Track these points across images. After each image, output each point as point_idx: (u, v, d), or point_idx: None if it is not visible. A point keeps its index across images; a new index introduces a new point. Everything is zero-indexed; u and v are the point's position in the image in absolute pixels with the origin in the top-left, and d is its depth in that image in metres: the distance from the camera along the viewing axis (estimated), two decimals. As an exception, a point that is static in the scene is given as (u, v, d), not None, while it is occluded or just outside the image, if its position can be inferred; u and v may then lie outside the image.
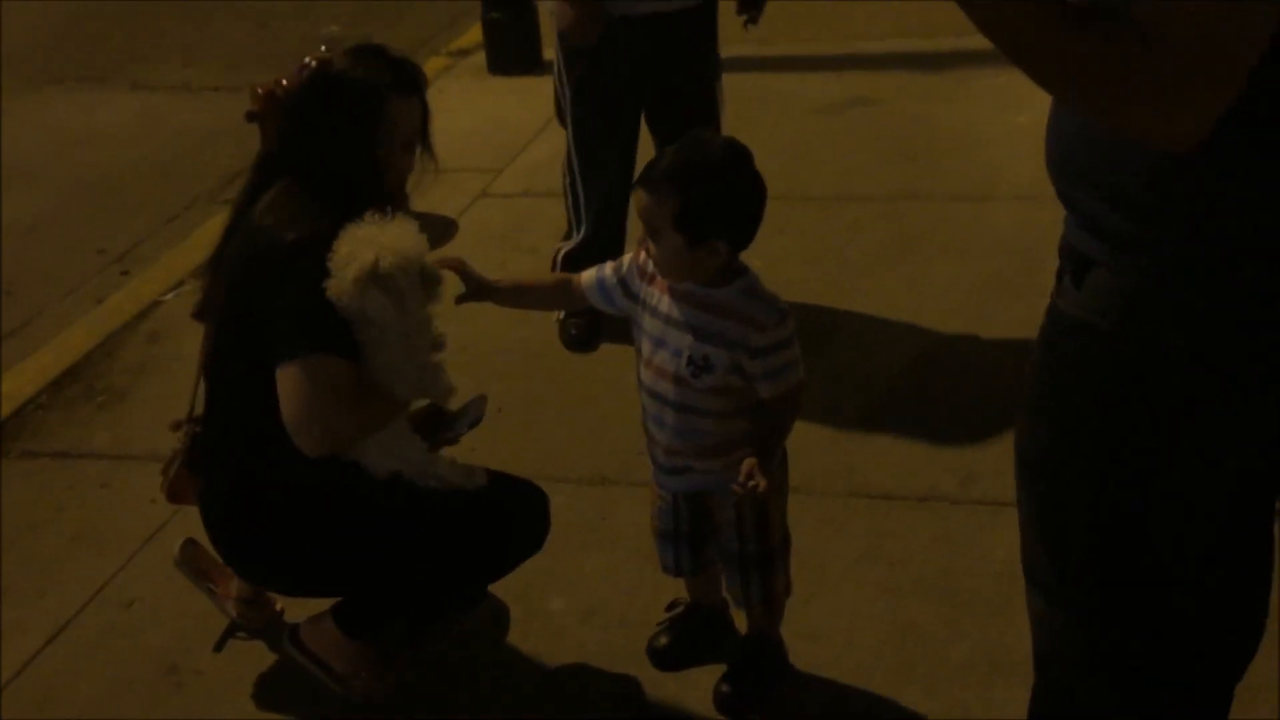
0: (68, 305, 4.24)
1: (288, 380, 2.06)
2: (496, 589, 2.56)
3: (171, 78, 6.60)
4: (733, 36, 3.72)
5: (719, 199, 1.99)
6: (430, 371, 2.23)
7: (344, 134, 2.16)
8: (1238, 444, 1.53)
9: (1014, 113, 4.93)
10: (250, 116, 4.04)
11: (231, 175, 5.24)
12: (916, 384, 3.32)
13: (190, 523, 2.71)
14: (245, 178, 2.34)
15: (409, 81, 2.20)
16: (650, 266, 2.13)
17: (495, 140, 5.18)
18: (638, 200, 2.02)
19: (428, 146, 2.25)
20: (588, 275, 2.25)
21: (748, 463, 2.03)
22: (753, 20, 3.57)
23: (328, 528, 2.24)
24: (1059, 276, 1.67)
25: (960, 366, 3.38)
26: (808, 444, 3.04)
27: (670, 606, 2.54)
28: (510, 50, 5.88)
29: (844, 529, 2.79)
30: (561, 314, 3.67)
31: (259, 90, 4.01)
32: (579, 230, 3.61)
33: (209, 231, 4.58)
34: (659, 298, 2.12)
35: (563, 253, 3.65)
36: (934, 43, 5.88)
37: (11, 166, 5.46)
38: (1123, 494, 1.64)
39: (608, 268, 2.22)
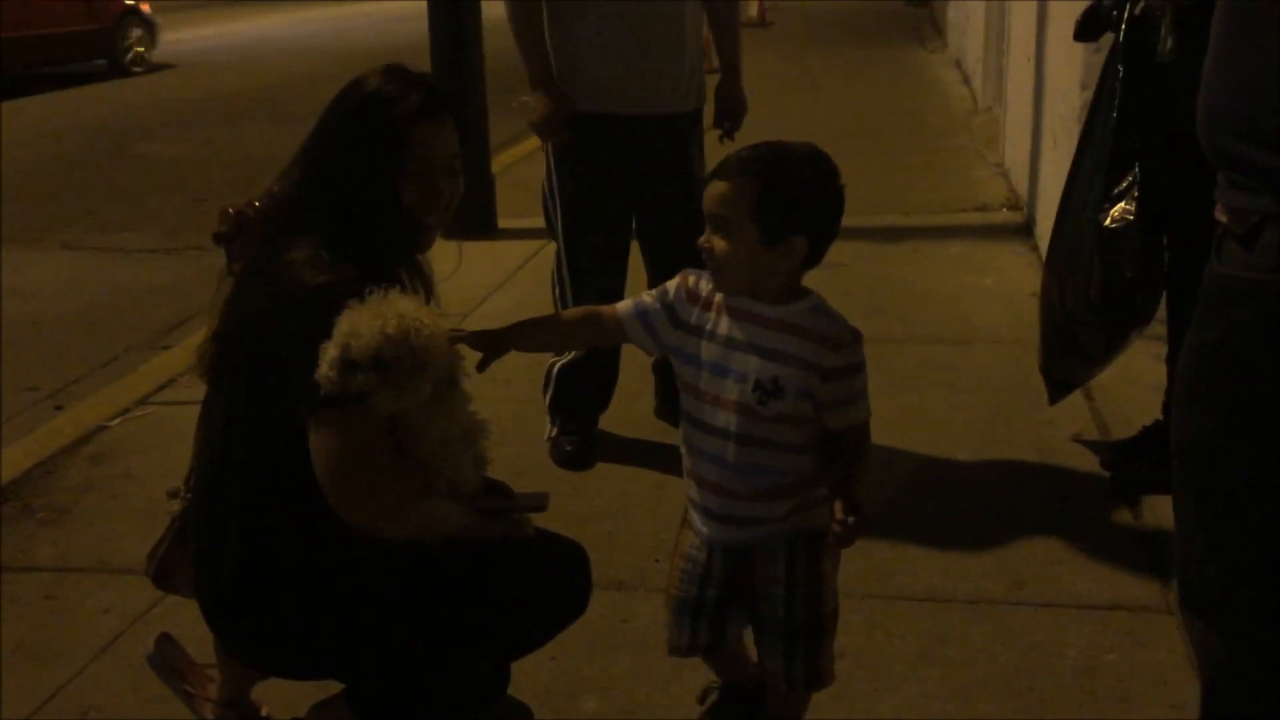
0: (-3, 437, 3.88)
1: (322, 433, 1.80)
2: (519, 691, 2.25)
3: (105, 241, 6.39)
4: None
5: (803, 189, 1.83)
6: (457, 453, 1.99)
7: (372, 165, 1.96)
8: None
9: (977, 276, 5.01)
10: (219, 238, 3.82)
11: (170, 326, 5.01)
12: (935, 498, 3.16)
13: (154, 630, 2.38)
14: (265, 219, 2.13)
15: (436, 103, 1.99)
16: (704, 289, 1.93)
17: (456, 294, 5.04)
18: (711, 192, 1.85)
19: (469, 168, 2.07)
20: (623, 307, 2.00)
21: (838, 504, 1.84)
22: (729, 134, 3.54)
23: (344, 594, 1.94)
24: (1217, 246, 1.56)
25: (975, 482, 3.24)
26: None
27: (703, 697, 2.26)
28: (465, 215, 5.82)
29: (894, 631, 2.56)
30: (555, 431, 3.46)
31: (230, 210, 3.83)
32: (573, 344, 3.44)
33: (154, 368, 4.32)
34: (717, 320, 1.90)
35: (558, 366, 3.46)
36: (883, 219, 6.03)
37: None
38: None
39: (648, 297, 1.99)
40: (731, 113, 3.50)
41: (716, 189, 1.85)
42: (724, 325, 1.90)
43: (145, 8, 14.43)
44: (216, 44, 17.36)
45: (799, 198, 1.84)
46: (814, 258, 1.88)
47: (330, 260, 1.89)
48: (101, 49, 13.80)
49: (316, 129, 2.02)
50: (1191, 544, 1.61)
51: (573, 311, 2.52)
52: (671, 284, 1.98)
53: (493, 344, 2.00)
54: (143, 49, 14.25)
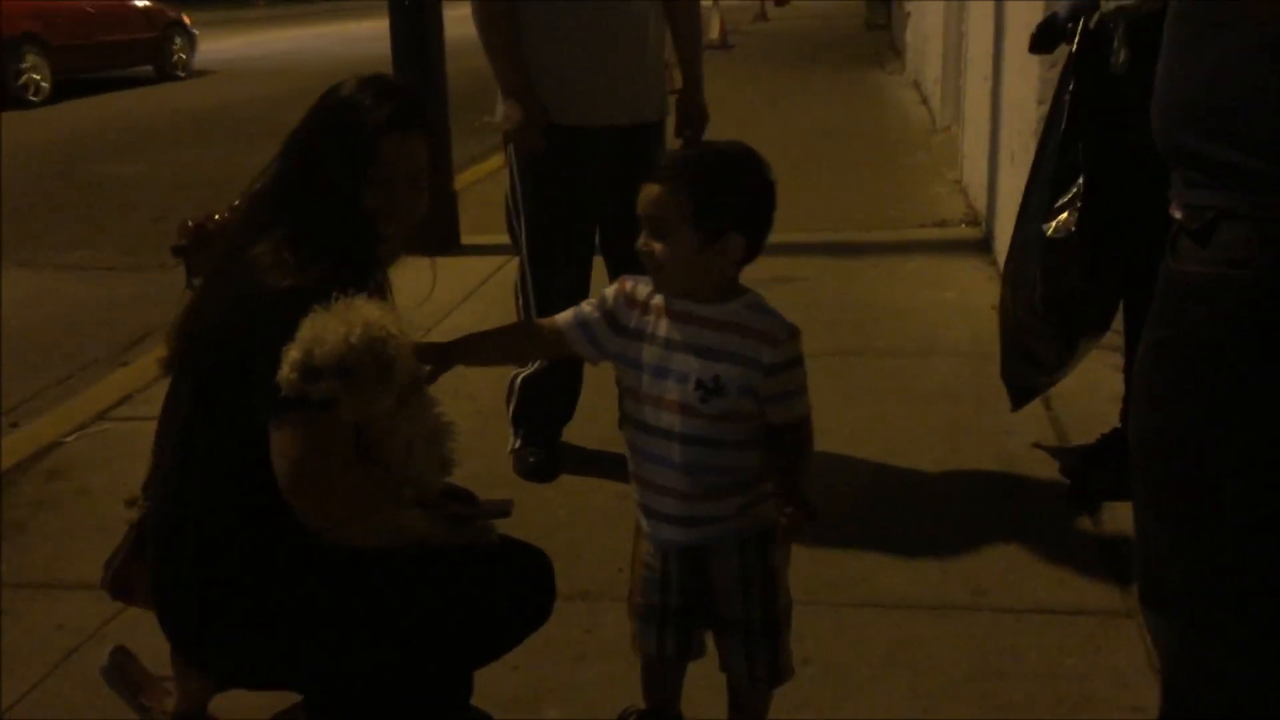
0: (-52, 455, 3.80)
1: (285, 434, 1.80)
2: (483, 701, 2.23)
3: (62, 259, 6.32)
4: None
5: (737, 188, 1.87)
6: (422, 456, 1.98)
7: (335, 169, 1.96)
8: None
9: (937, 290, 5.05)
10: (177, 251, 3.79)
11: (128, 344, 4.95)
12: (898, 506, 3.18)
13: (109, 646, 2.34)
14: (235, 220, 2.13)
15: (407, 116, 2.01)
16: (641, 293, 1.94)
17: (418, 309, 5.01)
18: (645, 196, 1.87)
19: (438, 184, 2.07)
20: (564, 317, 2.01)
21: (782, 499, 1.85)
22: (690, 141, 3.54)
23: (304, 601, 1.92)
24: (1171, 244, 1.58)
25: (937, 491, 3.27)
26: (806, 556, 2.85)
27: (621, 718, 2.25)
28: (426, 230, 5.80)
29: (858, 638, 2.56)
30: (518, 443, 3.45)
31: (189, 223, 3.80)
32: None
33: (111, 385, 4.27)
34: (656, 322, 1.92)
35: (521, 377, 3.45)
36: (843, 235, 6.08)
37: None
38: None
39: (586, 306, 2.00)
40: (693, 122, 3.51)
41: (651, 192, 1.86)
42: (663, 327, 1.91)
43: (187, 20, 16.40)
44: (245, 54, 18.88)
45: (733, 196, 1.87)
46: (751, 254, 1.90)
47: (294, 262, 1.89)
48: (151, 56, 15.57)
49: (295, 128, 2.03)
50: (1152, 541, 1.62)
51: (516, 325, 2.53)
52: (609, 291, 1.99)
53: (439, 358, 1.99)
54: (184, 56, 16.09)
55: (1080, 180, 2.93)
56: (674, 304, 1.90)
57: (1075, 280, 2.97)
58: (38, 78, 13.18)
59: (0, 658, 2.57)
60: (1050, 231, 2.97)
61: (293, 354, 1.74)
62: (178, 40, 16.02)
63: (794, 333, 1.89)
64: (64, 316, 5.39)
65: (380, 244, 2.02)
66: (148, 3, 15.71)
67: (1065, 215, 2.94)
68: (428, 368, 1.97)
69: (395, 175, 1.96)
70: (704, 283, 1.88)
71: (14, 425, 4.04)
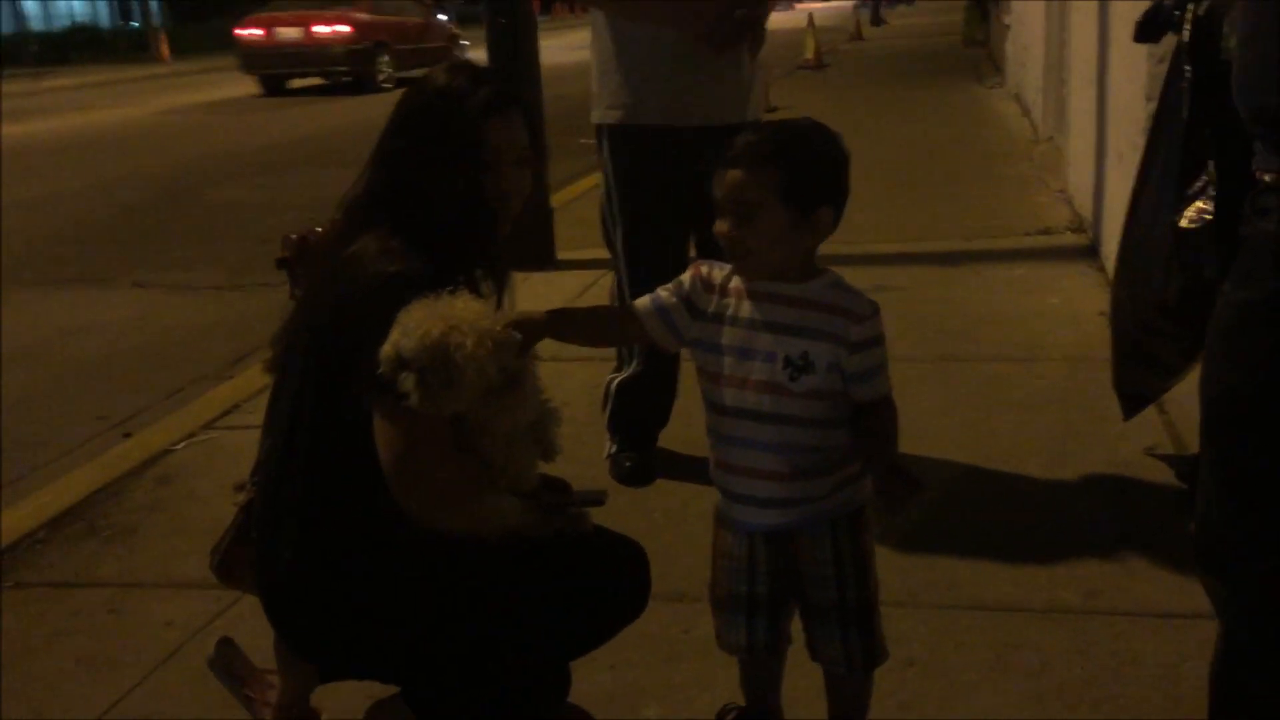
0: (67, 463, 3.92)
1: (384, 422, 1.81)
2: (579, 699, 2.21)
3: (173, 279, 6.52)
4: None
5: (822, 162, 1.85)
6: (522, 449, 1.97)
7: (446, 158, 1.97)
8: None
9: (1042, 296, 4.93)
10: (281, 263, 3.87)
11: (235, 359, 5.06)
12: (1006, 510, 3.09)
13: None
14: (335, 223, 2.14)
15: (505, 95, 2.00)
16: (718, 277, 1.91)
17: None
18: (726, 182, 1.82)
19: (541, 155, 2.07)
20: (642, 303, 1.98)
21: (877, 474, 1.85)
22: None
23: (400, 587, 1.92)
24: (1259, 205, 1.53)
25: (1047, 495, 3.17)
26: (909, 559, 2.79)
27: (720, 717, 2.20)
28: (525, 248, 5.86)
29: (965, 641, 2.48)
30: (614, 448, 3.44)
31: (292, 237, 3.88)
32: (631, 361, 3.43)
33: (219, 396, 4.37)
34: (737, 305, 1.88)
35: (616, 382, 3.44)
36: (942, 244, 5.98)
37: (9, 352, 5.26)
38: None
39: (663, 292, 1.96)
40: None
41: (735, 177, 1.82)
42: (745, 309, 1.88)
43: (458, 31, 22.13)
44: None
45: (820, 169, 1.85)
46: (835, 225, 1.88)
47: (401, 249, 1.89)
48: (442, 59, 18.43)
49: (387, 129, 2.03)
50: (1215, 504, 1.60)
51: (602, 308, 2.51)
52: (685, 276, 1.96)
53: (530, 330, 1.95)
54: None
55: (1211, 166, 2.82)
56: (755, 285, 1.88)
57: (1214, 269, 2.86)
58: (390, 70, 18.63)
59: (113, 653, 2.64)
60: (1184, 222, 2.85)
61: (394, 334, 1.75)
62: (456, 49, 20.72)
63: (876, 309, 1.87)
64: (174, 334, 5.55)
65: (496, 227, 2.01)
66: (437, 19, 21.55)
67: (1199, 204, 2.83)
68: (533, 359, 1.96)
69: (503, 157, 1.97)
70: (790, 262, 1.86)
71: (127, 435, 4.16)
